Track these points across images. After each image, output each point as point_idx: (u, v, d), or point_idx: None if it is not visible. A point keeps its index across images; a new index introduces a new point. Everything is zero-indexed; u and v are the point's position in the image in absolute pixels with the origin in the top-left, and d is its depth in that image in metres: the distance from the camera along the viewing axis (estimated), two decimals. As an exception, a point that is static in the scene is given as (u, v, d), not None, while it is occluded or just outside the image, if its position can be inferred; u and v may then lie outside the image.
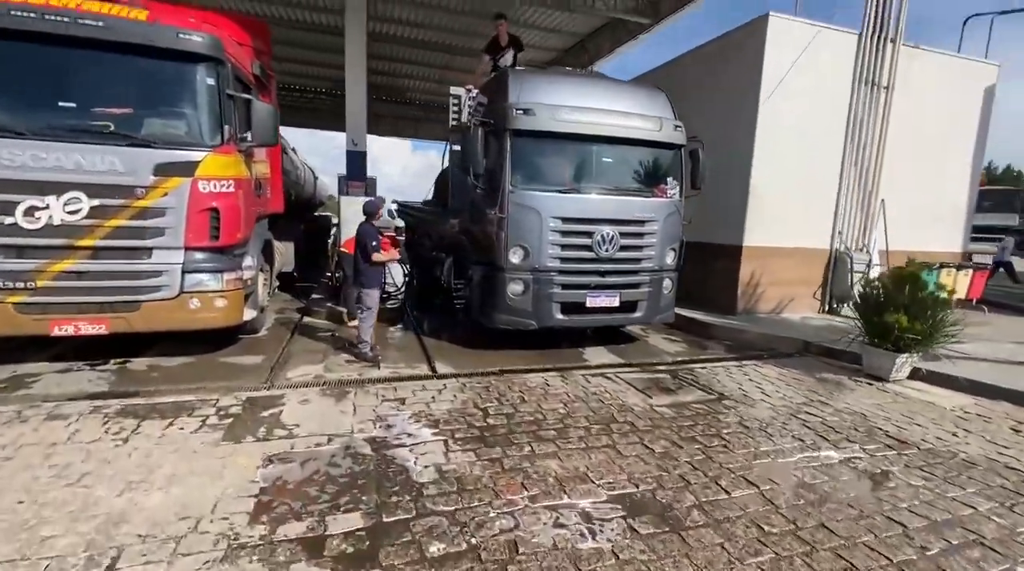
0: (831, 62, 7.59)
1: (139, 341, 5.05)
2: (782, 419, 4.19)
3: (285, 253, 7.95)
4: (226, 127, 4.80)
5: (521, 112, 5.33)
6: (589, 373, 5.23)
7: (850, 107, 7.84)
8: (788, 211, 7.73)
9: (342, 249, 6.89)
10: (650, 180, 5.94)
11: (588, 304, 5.69)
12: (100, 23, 4.24)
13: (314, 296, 8.50)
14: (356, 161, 9.31)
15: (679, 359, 5.98)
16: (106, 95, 4.50)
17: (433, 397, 4.32)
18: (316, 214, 14.78)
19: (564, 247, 5.54)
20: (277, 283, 7.45)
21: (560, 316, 5.63)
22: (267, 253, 6.45)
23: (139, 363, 4.86)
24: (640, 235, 5.80)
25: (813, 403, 4.64)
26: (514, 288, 5.51)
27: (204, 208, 4.66)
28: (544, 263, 5.51)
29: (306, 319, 7.21)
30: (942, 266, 8.39)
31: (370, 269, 5.31)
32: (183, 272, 4.66)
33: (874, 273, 8.11)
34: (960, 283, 8.59)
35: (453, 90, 7.18)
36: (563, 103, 5.47)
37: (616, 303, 5.80)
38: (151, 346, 5.25)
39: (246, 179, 5.21)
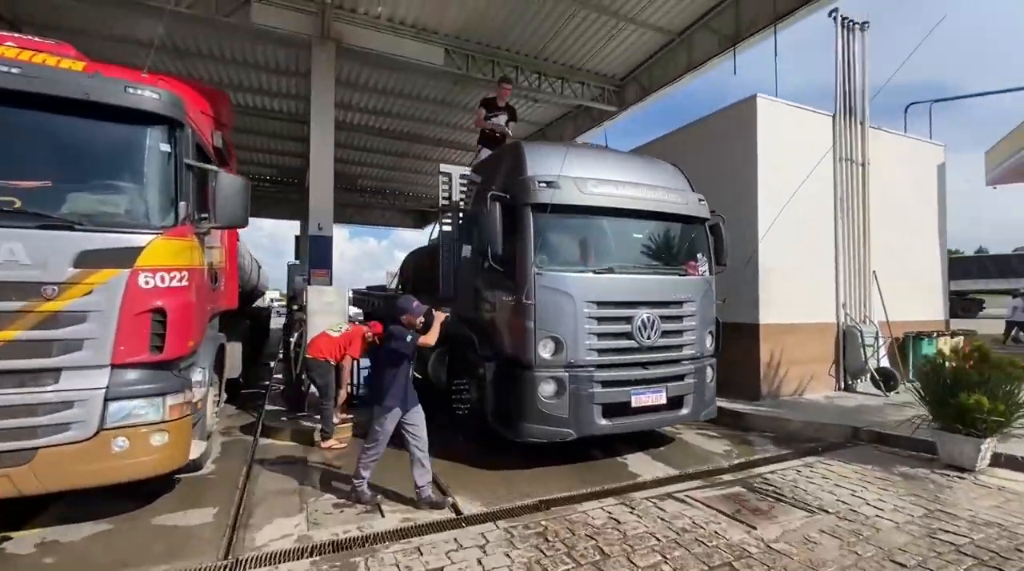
0: (814, 141, 7.75)
1: (27, 502, 3.46)
2: (925, 545, 3.30)
3: (233, 357, 6.51)
4: (181, 204, 3.72)
5: (544, 185, 4.65)
6: (653, 496, 4.14)
7: (834, 183, 7.94)
8: (796, 286, 7.43)
9: (312, 356, 5.63)
10: (681, 257, 5.35)
11: (633, 403, 4.74)
12: (15, 70, 3.20)
13: (268, 407, 6.95)
14: (321, 247, 8.24)
15: (736, 462, 5.05)
16: (17, 162, 3.34)
17: (479, 561, 3.06)
18: (256, 306, 13.20)
19: (601, 336, 4.67)
20: (225, 396, 5.94)
21: (602, 421, 4.62)
22: (218, 360, 5.08)
23: (24, 541, 3.27)
24: (680, 318, 5.07)
25: (934, 514, 3.80)
26: (546, 389, 4.49)
27: (145, 309, 3.42)
28: (581, 357, 4.58)
29: (264, 440, 5.69)
30: (939, 335, 8.31)
31: (395, 381, 3.92)
32: (106, 400, 3.29)
33: (882, 347, 7.88)
34: (957, 351, 8.51)
35: (444, 168, 6.52)
36: (586, 175, 4.89)
37: (663, 400, 4.90)
38: (46, 507, 3.65)
39: (201, 269, 4.05)
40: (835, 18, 7.98)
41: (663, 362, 4.96)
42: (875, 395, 7.55)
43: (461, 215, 6.44)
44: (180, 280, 3.64)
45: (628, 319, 4.75)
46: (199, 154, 4.11)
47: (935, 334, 8.29)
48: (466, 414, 5.55)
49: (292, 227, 24.30)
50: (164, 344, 3.50)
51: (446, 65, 9.53)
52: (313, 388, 5.79)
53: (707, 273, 5.44)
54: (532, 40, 9.71)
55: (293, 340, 6.61)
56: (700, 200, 5.45)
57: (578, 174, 4.83)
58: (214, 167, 4.03)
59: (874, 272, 8.21)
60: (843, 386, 7.87)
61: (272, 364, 11.09)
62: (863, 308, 8.10)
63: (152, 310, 3.45)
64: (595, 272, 4.73)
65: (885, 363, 7.85)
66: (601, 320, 4.66)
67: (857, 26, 8.16)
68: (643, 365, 4.84)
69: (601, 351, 4.65)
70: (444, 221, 6.49)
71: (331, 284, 8.06)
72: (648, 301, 4.88)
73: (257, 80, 11.54)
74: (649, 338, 4.84)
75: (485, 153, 6.84)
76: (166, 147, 3.70)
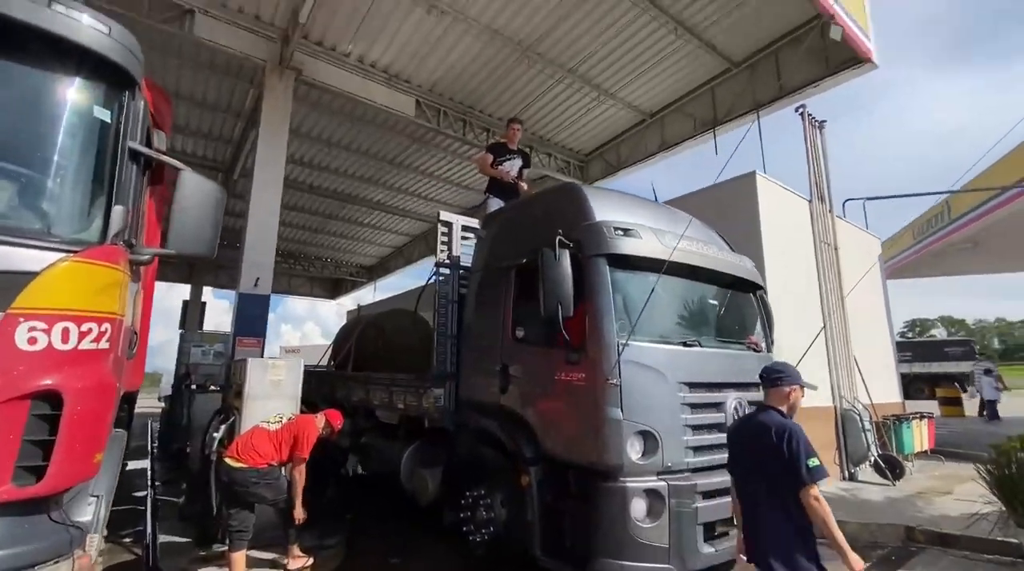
0: (797, 222, 7.85)
1: None
2: None
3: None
4: (117, 209, 2.19)
5: (620, 233, 3.71)
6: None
7: (816, 265, 8.03)
8: (802, 366, 7.03)
9: (238, 461, 3.83)
10: (747, 330, 4.59)
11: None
12: None
13: (162, 537, 4.66)
14: (255, 308, 6.41)
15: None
16: None
17: None
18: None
19: (696, 428, 3.59)
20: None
21: (706, 548, 3.40)
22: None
23: None
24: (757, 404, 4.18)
25: None
26: (639, 507, 3.22)
27: (21, 393, 1.75)
28: (678, 457, 3.42)
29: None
30: (917, 417, 8.36)
31: None
32: None
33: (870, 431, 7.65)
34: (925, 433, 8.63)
35: (444, 216, 5.37)
36: (659, 226, 4.05)
37: (760, 511, 3.84)
38: None
39: (123, 323, 2.40)
40: (802, 114, 8.53)
41: (752, 460, 3.96)
42: (882, 484, 7.14)
43: (464, 271, 5.26)
44: (96, 339, 2.01)
45: (719, 405, 3.75)
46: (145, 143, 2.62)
47: (910, 417, 8.32)
48: (485, 541, 4.00)
49: (176, 292, 20.91)
50: (49, 465, 1.80)
51: (416, 116, 8.68)
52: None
53: (767, 350, 4.72)
54: (508, 105, 9.31)
55: (218, 436, 4.62)
56: (753, 265, 4.86)
57: (649, 224, 3.99)
58: (176, 163, 2.55)
59: (855, 357, 8.20)
60: (848, 475, 7.40)
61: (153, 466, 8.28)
62: (851, 391, 7.94)
63: (34, 396, 1.79)
64: (685, 344, 3.75)
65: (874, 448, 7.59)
66: (695, 407, 3.61)
67: (817, 123, 8.81)
68: (737, 466, 3.80)
69: (697, 449, 3.55)
70: (440, 278, 5.22)
71: (262, 356, 6.19)
72: (735, 383, 3.96)
73: (178, 114, 9.75)
74: (742, 429, 3.86)
75: (495, 203, 5.84)
76: (103, 114, 2.22)
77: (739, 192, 7.29)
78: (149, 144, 2.66)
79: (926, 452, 8.74)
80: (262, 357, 5.98)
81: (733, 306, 4.53)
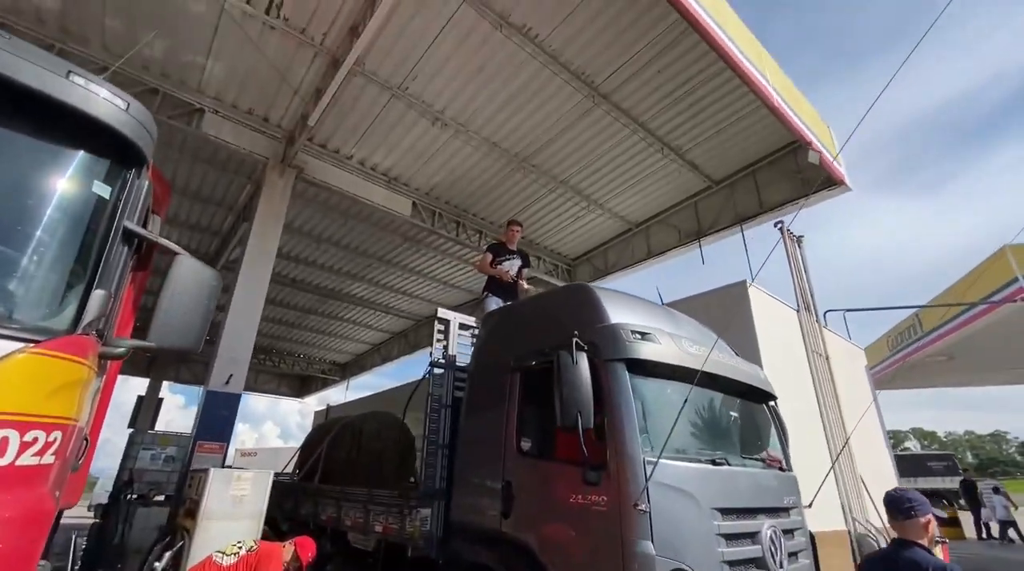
0: (787, 333, 7.87)
1: None
2: None
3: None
4: (98, 295, 1.90)
5: (638, 336, 3.51)
6: None
7: (812, 377, 7.92)
8: (812, 487, 6.59)
9: None
10: (766, 446, 4.26)
11: None
12: None
13: None
14: (223, 408, 5.80)
15: None
16: None
17: None
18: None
19: (733, 565, 3.11)
20: None
21: None
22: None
23: None
24: (792, 533, 3.74)
25: None
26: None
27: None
28: (719, 606, 2.91)
29: None
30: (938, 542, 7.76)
31: None
32: None
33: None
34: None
35: (442, 313, 5.14)
36: (675, 332, 3.89)
37: (811, 673, 3.24)
38: None
39: (74, 428, 1.98)
40: (780, 229, 8.99)
41: (794, 604, 3.43)
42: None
43: (460, 372, 4.91)
44: (40, 451, 1.61)
45: (754, 536, 3.31)
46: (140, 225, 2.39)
47: (942, 540, 7.74)
48: None
49: (128, 384, 19.51)
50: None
51: (412, 217, 8.82)
52: None
53: (788, 468, 4.36)
54: (502, 210, 9.61)
55: (160, 566, 3.83)
56: (765, 375, 4.67)
57: (662, 327, 3.82)
58: (174, 247, 2.31)
59: (860, 475, 7.80)
60: (873, 616, 6.61)
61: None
62: (862, 513, 7.41)
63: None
64: (714, 463, 3.39)
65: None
66: (730, 538, 3.16)
67: (795, 238, 9.26)
68: (781, 613, 3.26)
69: (739, 591, 3.04)
70: (434, 377, 4.84)
71: (223, 464, 5.47)
72: (767, 507, 3.55)
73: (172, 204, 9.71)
74: (781, 566, 3.38)
75: (494, 302, 5.66)
76: (103, 190, 2.02)
77: (731, 300, 7.34)
78: (145, 227, 2.44)
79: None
80: (223, 466, 5.27)
81: (750, 419, 4.25)
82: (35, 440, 1.59)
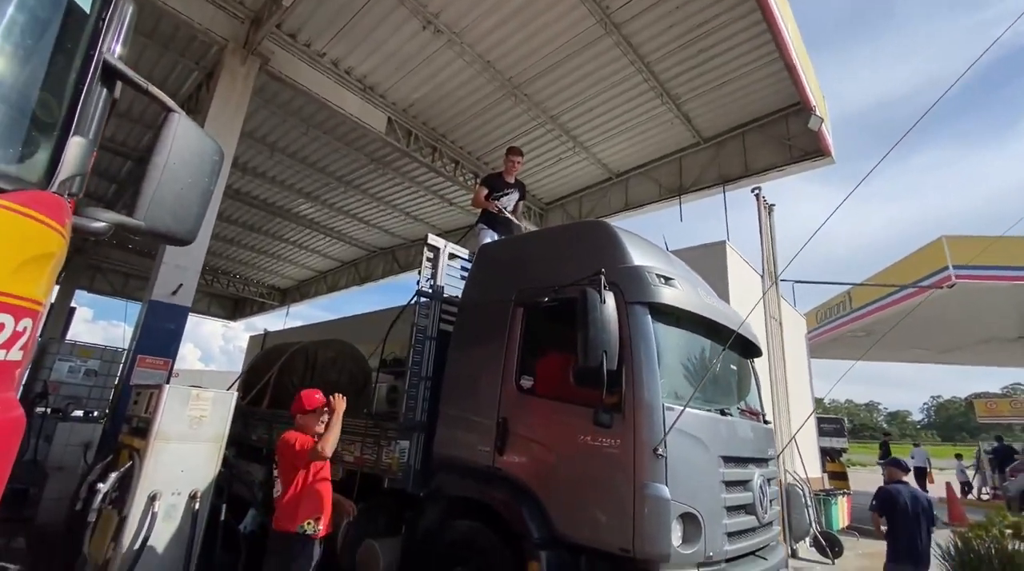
0: (753, 295, 8.14)
1: None
2: None
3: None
4: (76, 142, 1.40)
5: (662, 280, 3.35)
6: None
7: (766, 338, 8.31)
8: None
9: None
10: (752, 399, 4.35)
11: (763, 618, 3.20)
12: None
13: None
14: (169, 321, 5.18)
15: None
16: None
17: None
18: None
19: (731, 511, 3.17)
20: None
21: (741, 656, 2.90)
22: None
23: None
24: (770, 482, 3.89)
25: None
26: (682, 609, 2.67)
27: None
28: (719, 546, 2.95)
29: None
30: (841, 494, 8.69)
31: None
32: None
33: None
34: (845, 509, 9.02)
35: (432, 239, 4.72)
36: (690, 280, 3.76)
37: (780, 607, 3.45)
38: None
39: (41, 317, 1.52)
40: (757, 195, 9.10)
41: (768, 548, 3.61)
42: (823, 563, 7.17)
43: (448, 305, 4.62)
44: (11, 344, 1.19)
45: (746, 483, 3.39)
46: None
47: (836, 493, 8.65)
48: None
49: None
50: None
51: (387, 134, 8.05)
52: None
53: (767, 420, 4.52)
54: (484, 140, 9.01)
55: (105, 487, 3.39)
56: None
57: (680, 275, 3.68)
58: (167, 100, 1.78)
59: (793, 435, 8.45)
60: (791, 552, 7.36)
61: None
62: (792, 465, 8.09)
63: None
64: (723, 412, 3.38)
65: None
66: (730, 485, 3.20)
67: (768, 206, 9.44)
68: (760, 555, 3.41)
69: (731, 535, 3.11)
70: (421, 308, 4.50)
71: (168, 381, 4.94)
72: (757, 458, 3.65)
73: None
74: (766, 512, 3.52)
75: (488, 234, 5.28)
76: (85, 5, 1.47)
77: (709, 260, 7.41)
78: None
79: (844, 528, 9.10)
80: (169, 383, 4.74)
81: (742, 373, 4.31)
82: (1, 327, 1.16)
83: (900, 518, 4.31)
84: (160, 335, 5.10)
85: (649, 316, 3.19)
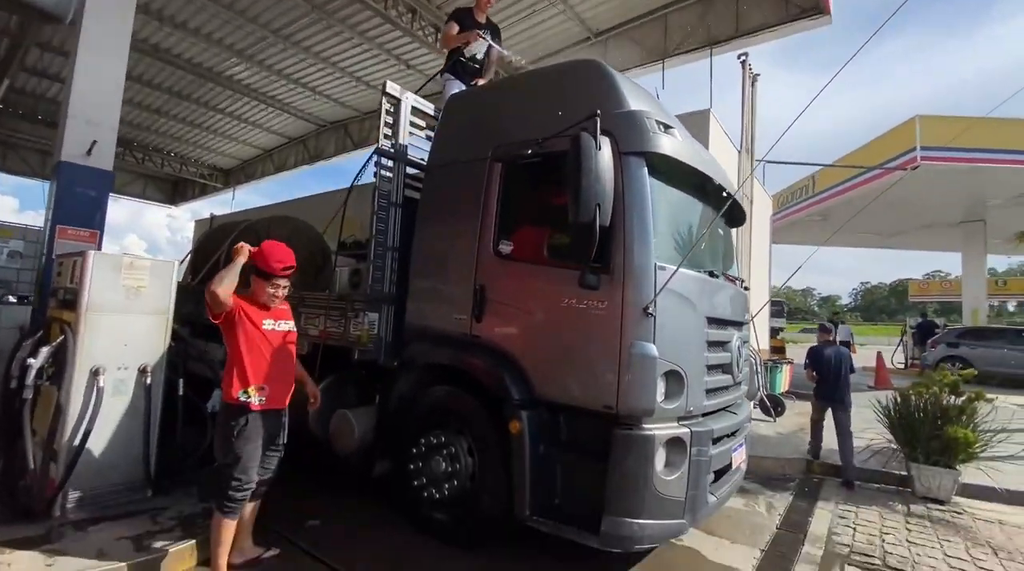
0: (730, 171, 7.89)
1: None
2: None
3: None
4: None
5: (661, 128, 2.97)
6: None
7: (737, 214, 8.24)
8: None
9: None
10: (732, 264, 4.25)
11: (733, 463, 3.38)
12: None
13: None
14: (89, 186, 4.48)
15: (780, 521, 4.15)
16: None
17: None
18: None
19: (711, 369, 3.17)
20: None
21: (711, 497, 3.07)
22: None
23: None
24: (745, 344, 3.94)
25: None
26: (660, 458, 2.71)
27: None
28: (699, 401, 2.97)
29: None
30: (785, 362, 9.40)
31: None
32: None
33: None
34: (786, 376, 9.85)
35: (391, 88, 4.05)
36: (685, 132, 3.39)
37: (744, 456, 3.66)
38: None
39: None
40: (743, 62, 8.43)
41: (737, 404, 3.74)
42: (765, 420, 7.90)
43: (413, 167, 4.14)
44: None
45: (725, 344, 3.37)
46: None
47: (780, 362, 9.34)
48: (444, 499, 3.25)
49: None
50: None
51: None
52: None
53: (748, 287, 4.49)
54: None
55: (36, 362, 3.05)
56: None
57: (675, 125, 3.30)
58: None
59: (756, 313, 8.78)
60: (737, 413, 8.05)
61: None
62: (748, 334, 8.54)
63: None
64: (712, 274, 3.23)
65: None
66: (712, 345, 3.16)
67: (753, 76, 8.82)
68: (730, 410, 3.52)
69: (710, 392, 3.14)
70: (382, 168, 3.99)
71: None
72: (736, 321, 3.63)
73: None
74: (741, 371, 3.58)
75: (455, 86, 4.59)
76: None
77: (691, 129, 6.94)
78: None
79: (783, 392, 10.02)
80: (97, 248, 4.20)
81: (727, 239, 4.17)
82: None
83: (824, 368, 5.51)
84: (81, 203, 4.42)
85: (645, 168, 2.86)
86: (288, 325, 2.86)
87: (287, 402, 2.78)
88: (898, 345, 16.62)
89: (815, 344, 5.92)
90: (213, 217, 11.41)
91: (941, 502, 4.78)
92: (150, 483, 3.43)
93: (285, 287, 2.78)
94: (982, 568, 3.46)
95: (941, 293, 23.19)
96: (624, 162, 2.82)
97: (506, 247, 3.28)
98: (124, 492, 3.31)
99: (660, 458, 2.70)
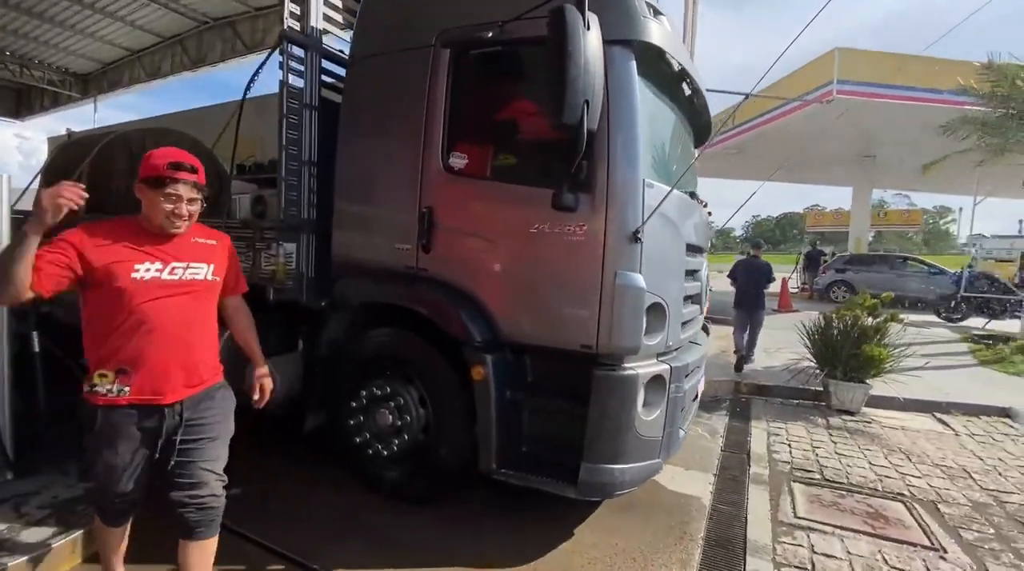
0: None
1: None
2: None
3: None
4: None
5: (651, 13, 2.45)
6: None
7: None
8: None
9: None
10: (695, 184, 3.94)
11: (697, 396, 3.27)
12: None
13: None
14: None
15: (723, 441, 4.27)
16: None
17: None
18: None
19: (686, 299, 2.92)
20: None
21: (681, 432, 2.93)
22: None
23: None
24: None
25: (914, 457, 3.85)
26: (644, 400, 2.46)
27: None
28: (676, 335, 2.73)
29: None
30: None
31: None
32: None
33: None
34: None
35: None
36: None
37: (703, 386, 3.57)
38: None
39: None
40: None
41: (698, 334, 3.60)
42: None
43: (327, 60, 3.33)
44: None
45: (697, 273, 3.14)
46: None
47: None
48: (393, 454, 2.85)
49: None
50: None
51: None
52: None
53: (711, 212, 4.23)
54: None
55: None
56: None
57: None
58: None
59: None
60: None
61: None
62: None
63: None
64: (693, 195, 2.89)
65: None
66: (689, 274, 2.90)
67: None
68: (694, 341, 3.36)
69: (683, 324, 2.91)
70: (291, 58, 3.13)
71: None
72: (703, 247, 3.39)
73: None
74: (704, 301, 3.40)
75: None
76: None
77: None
78: None
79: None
80: None
81: (691, 153, 3.84)
82: None
83: (741, 279, 6.54)
84: None
85: (633, 61, 2.37)
86: (200, 270, 1.78)
87: (185, 393, 1.74)
88: (792, 271, 18.19)
89: (741, 257, 7.35)
90: (70, 132, 9.24)
91: (852, 413, 5.22)
92: (8, 464, 2.68)
93: (192, 201, 1.71)
94: (902, 473, 3.76)
95: (833, 224, 25.76)
96: (608, 53, 2.30)
97: (458, 161, 2.71)
98: None
99: (640, 398, 2.45)
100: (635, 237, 2.29)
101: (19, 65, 13.61)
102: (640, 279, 2.32)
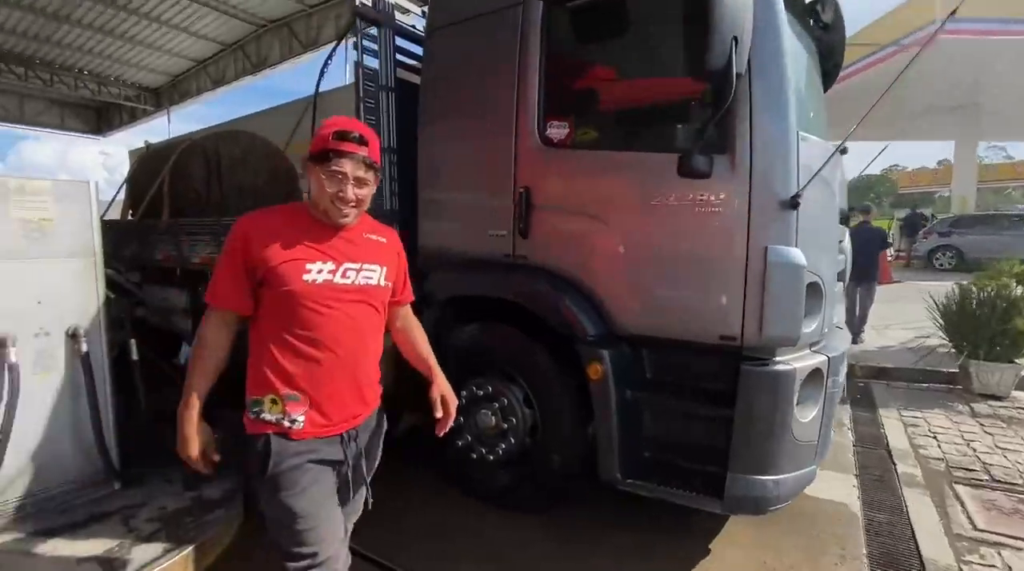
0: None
1: None
2: None
3: None
4: None
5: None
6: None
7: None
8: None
9: None
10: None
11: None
12: None
13: None
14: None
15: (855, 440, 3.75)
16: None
17: None
18: None
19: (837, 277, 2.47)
20: None
21: (832, 432, 2.50)
22: None
23: None
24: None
25: None
26: (800, 398, 2.07)
27: None
28: (831, 320, 2.30)
29: None
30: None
31: None
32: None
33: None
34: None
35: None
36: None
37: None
38: None
39: None
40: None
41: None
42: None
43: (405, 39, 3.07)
44: None
45: (842, 243, 2.66)
46: None
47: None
48: (499, 460, 2.61)
49: None
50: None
51: None
52: None
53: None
54: None
55: None
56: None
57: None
58: None
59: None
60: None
61: None
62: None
63: None
64: (843, 152, 2.43)
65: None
66: (839, 244, 2.44)
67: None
68: (839, 324, 2.88)
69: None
70: (365, 37, 2.90)
71: None
72: (845, 211, 2.89)
73: None
74: (846, 275, 2.91)
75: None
76: None
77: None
78: None
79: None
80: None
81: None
82: None
83: (855, 246, 5.81)
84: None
85: (783, 8, 1.94)
86: (373, 273, 1.40)
87: (357, 419, 1.42)
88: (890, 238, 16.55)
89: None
90: (148, 144, 9.70)
91: (999, 398, 4.51)
92: (115, 474, 2.66)
93: (360, 182, 1.32)
94: (1093, 472, 3.12)
95: (932, 183, 23.20)
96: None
97: (559, 130, 2.38)
98: (83, 490, 2.54)
99: (796, 396, 2.06)
100: (793, 202, 1.88)
101: (97, 83, 14.52)
102: (799, 254, 1.91)
